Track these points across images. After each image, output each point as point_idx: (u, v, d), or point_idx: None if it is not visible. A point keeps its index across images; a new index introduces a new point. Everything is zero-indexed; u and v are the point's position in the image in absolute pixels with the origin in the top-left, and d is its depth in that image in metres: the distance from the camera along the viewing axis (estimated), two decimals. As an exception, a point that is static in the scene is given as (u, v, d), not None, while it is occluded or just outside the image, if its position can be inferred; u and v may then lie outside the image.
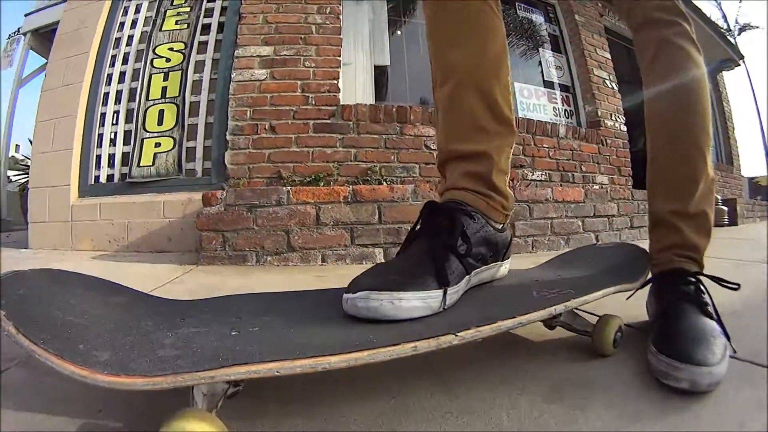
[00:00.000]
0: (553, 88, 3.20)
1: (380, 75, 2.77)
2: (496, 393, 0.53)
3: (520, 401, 0.51)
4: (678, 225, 0.75)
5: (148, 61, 2.55)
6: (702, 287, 0.69)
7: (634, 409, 0.49)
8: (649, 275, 0.77)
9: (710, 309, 0.66)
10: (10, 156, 4.40)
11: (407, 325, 0.47)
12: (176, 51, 2.55)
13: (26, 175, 3.71)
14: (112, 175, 2.48)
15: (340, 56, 2.46)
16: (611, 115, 3.15)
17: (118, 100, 2.55)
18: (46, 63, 3.94)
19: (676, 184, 0.76)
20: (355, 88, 2.62)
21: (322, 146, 2.31)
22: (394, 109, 2.38)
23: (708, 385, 0.51)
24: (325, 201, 1.64)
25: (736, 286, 0.71)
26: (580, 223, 2.02)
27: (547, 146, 2.74)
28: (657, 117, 0.79)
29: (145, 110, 2.47)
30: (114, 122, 2.52)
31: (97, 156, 2.51)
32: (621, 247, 0.93)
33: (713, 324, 0.62)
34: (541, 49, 3.26)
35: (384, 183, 2.21)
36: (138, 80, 2.54)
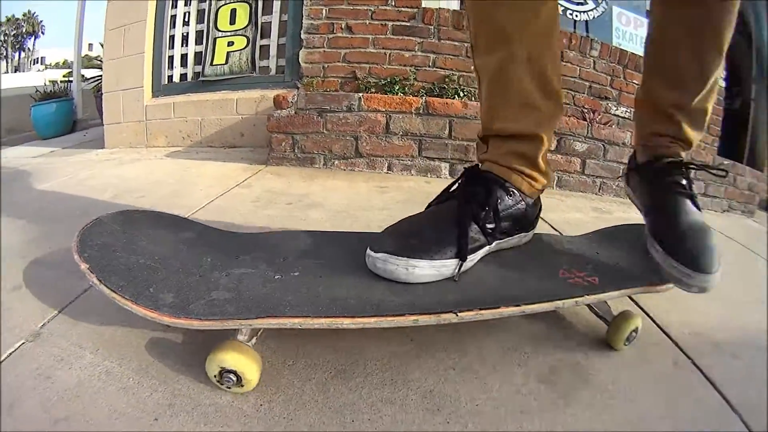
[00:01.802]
0: None
1: None
2: (501, 361, 0.59)
3: (516, 375, 0.57)
4: (677, 118, 0.71)
5: None
6: (691, 179, 0.70)
7: (613, 418, 0.52)
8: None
9: (698, 202, 0.68)
10: (83, 55, 4.67)
11: (420, 292, 0.52)
12: (248, -52, 2.50)
13: (100, 74, 3.94)
14: (185, 74, 2.59)
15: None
16: (712, 63, 2.86)
17: (187, 2, 2.58)
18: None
19: (685, 79, 0.70)
20: None
21: (400, 49, 2.27)
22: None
23: (712, 288, 0.58)
24: (397, 110, 1.66)
25: (723, 173, 0.75)
26: (655, 174, 1.95)
27: (636, 82, 2.54)
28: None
29: (217, 10, 2.50)
30: (185, 22, 2.57)
31: (169, 57, 2.61)
32: None
33: (703, 220, 0.65)
34: (644, -25, 2.93)
35: (459, 95, 2.17)
36: None
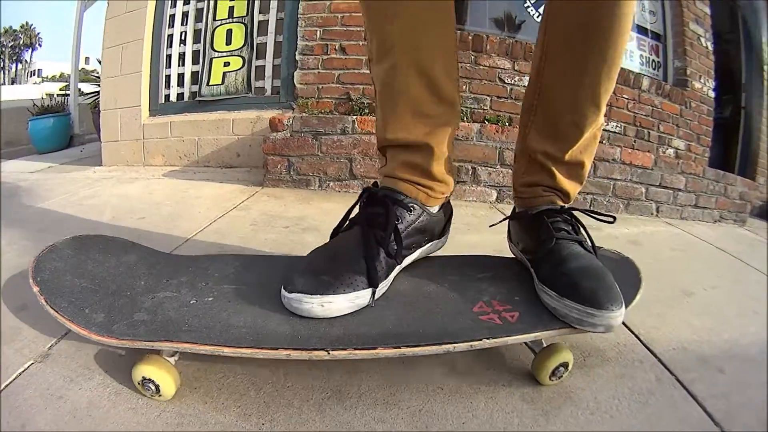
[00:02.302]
0: (644, 34, 2.97)
1: None
2: (487, 381, 0.63)
3: (500, 394, 0.61)
4: (550, 168, 0.70)
5: None
6: (578, 223, 0.69)
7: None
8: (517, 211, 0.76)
9: (589, 244, 0.67)
10: (80, 68, 4.72)
11: (310, 324, 0.55)
12: (243, -31, 2.56)
13: (98, 89, 3.99)
14: (182, 93, 2.65)
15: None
16: (700, 76, 2.92)
17: (184, 22, 2.64)
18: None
19: (558, 127, 0.69)
20: None
21: None
22: (470, 37, 2.33)
23: (619, 323, 0.56)
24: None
25: (611, 219, 0.72)
26: (644, 191, 2.00)
27: (626, 97, 2.62)
28: (554, 42, 0.66)
29: (213, 30, 2.57)
30: (182, 42, 2.64)
31: (166, 76, 2.67)
32: (621, 267, 0.80)
33: (598, 261, 0.63)
34: (636, -12, 3.01)
35: None
36: (204, 1, 2.60)
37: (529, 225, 0.71)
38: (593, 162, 1.84)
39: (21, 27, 45.18)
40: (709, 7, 3.05)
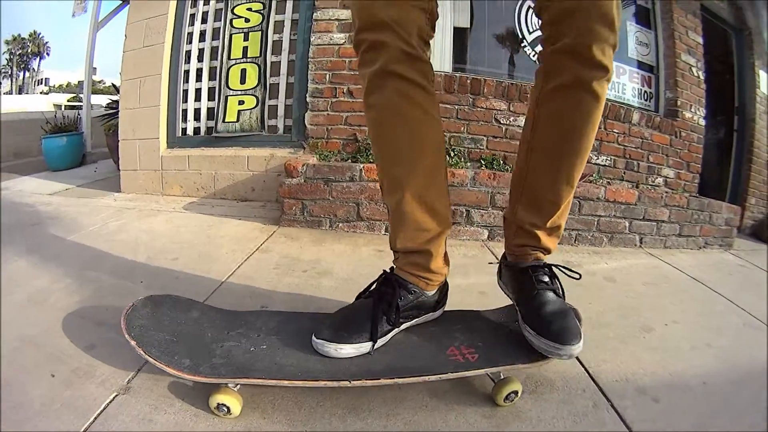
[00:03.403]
0: (637, 67, 3.21)
1: (459, 36, 2.84)
2: (459, 401, 0.88)
3: (467, 411, 0.85)
4: (535, 233, 0.94)
5: (228, 21, 2.78)
6: (554, 274, 0.94)
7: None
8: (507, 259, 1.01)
9: (560, 291, 0.92)
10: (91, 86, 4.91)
11: (338, 364, 0.82)
12: (255, 11, 2.76)
13: (110, 111, 4.20)
14: (199, 128, 2.88)
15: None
16: (691, 106, 3.15)
17: (200, 58, 2.84)
18: (120, 5, 4.25)
19: (541, 205, 0.92)
20: (434, 52, 2.69)
21: None
22: (468, 81, 2.56)
23: (578, 353, 0.82)
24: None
25: (577, 275, 0.96)
26: (627, 224, 2.22)
27: (617, 131, 2.84)
28: (539, 141, 0.89)
29: (228, 69, 2.78)
30: (197, 79, 2.86)
31: (183, 110, 2.88)
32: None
33: (566, 304, 0.89)
34: (629, 21, 3.21)
35: (449, 155, 2.47)
36: (218, 39, 2.79)
37: (517, 276, 0.96)
38: (578, 201, 2.08)
39: (29, 35, 46.04)
40: (702, 36, 3.25)
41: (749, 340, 1.31)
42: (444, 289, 1.01)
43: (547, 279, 0.93)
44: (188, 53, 2.87)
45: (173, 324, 0.89)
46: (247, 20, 2.78)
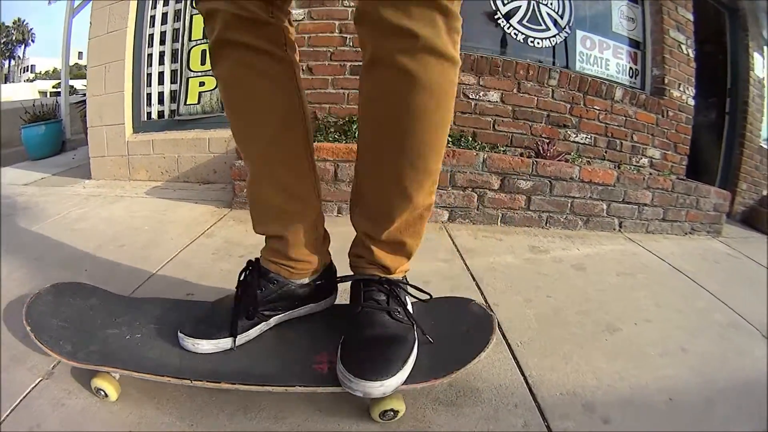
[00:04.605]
0: (622, 42, 2.96)
1: None
2: (349, 413, 0.72)
3: (363, 419, 0.71)
4: (369, 245, 0.76)
5: (188, 2, 2.66)
6: (396, 293, 0.75)
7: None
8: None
9: (400, 314, 0.73)
10: (72, 64, 4.79)
11: (198, 360, 0.74)
12: (217, -10, 2.62)
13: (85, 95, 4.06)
14: (163, 111, 2.74)
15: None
16: (680, 84, 2.90)
17: (162, 41, 2.71)
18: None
19: (371, 214, 0.75)
20: None
21: (357, 88, 2.33)
22: None
23: (382, 393, 0.63)
24: (343, 159, 1.78)
25: (428, 296, 0.81)
26: (605, 206, 2.01)
27: (598, 108, 2.62)
28: (361, 140, 0.74)
29: (189, 50, 2.64)
30: (161, 62, 2.72)
31: (147, 94, 2.75)
32: (476, 322, 0.83)
33: (400, 331, 0.70)
34: (615, -6, 2.96)
35: None
36: (179, 21, 2.67)
37: (351, 288, 0.79)
38: (549, 181, 1.87)
39: (13, 23, 45.20)
40: (693, 14, 3.00)
41: (732, 345, 1.06)
42: (327, 276, 0.85)
43: (382, 297, 0.74)
44: (151, 36, 2.74)
45: (69, 310, 0.87)
46: (207, 0, 2.60)
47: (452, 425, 0.70)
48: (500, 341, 0.96)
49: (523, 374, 0.85)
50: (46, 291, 0.91)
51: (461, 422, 0.71)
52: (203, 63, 2.60)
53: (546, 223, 1.92)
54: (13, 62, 44.63)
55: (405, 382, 0.66)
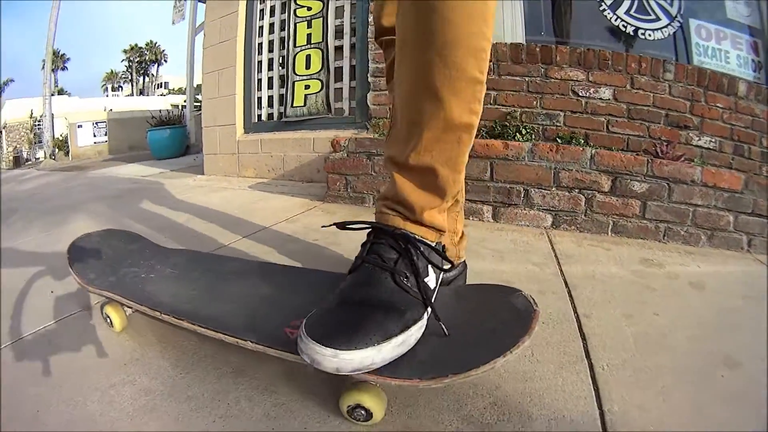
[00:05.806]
0: (738, 30, 2.51)
1: (533, 5, 2.44)
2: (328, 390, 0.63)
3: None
4: (394, 176, 0.61)
5: (292, 12, 2.77)
6: (411, 254, 0.58)
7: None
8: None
9: (407, 282, 0.56)
10: (197, 84, 5.36)
11: (181, 301, 0.74)
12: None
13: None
14: (272, 114, 2.90)
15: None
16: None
17: (270, 49, 2.88)
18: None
19: (401, 128, 0.60)
20: (504, 22, 2.37)
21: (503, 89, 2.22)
22: (537, 49, 2.17)
23: (335, 368, 0.47)
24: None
25: (449, 264, 0.62)
26: (732, 219, 1.67)
27: (721, 106, 2.23)
28: (400, 32, 0.58)
29: (294, 56, 2.76)
30: (269, 68, 2.89)
31: (257, 98, 2.95)
32: (510, 311, 0.62)
33: (399, 302, 0.54)
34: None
35: (521, 132, 2.11)
36: (285, 30, 2.80)
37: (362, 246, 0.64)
38: (668, 184, 1.61)
39: (146, 45, 51.35)
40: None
41: None
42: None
43: (391, 255, 0.58)
44: (260, 45, 2.94)
45: (110, 251, 0.94)
46: (309, 8, 2.74)
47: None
48: (580, 359, 0.75)
49: (600, 407, 0.61)
50: (97, 233, 0.99)
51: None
52: (308, 67, 2.70)
53: (664, 236, 1.65)
54: (147, 79, 51.17)
55: (379, 371, 0.49)
